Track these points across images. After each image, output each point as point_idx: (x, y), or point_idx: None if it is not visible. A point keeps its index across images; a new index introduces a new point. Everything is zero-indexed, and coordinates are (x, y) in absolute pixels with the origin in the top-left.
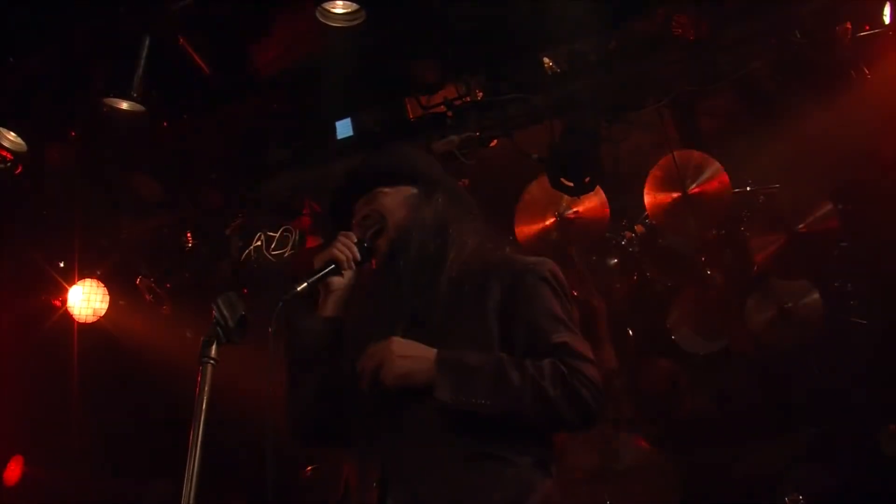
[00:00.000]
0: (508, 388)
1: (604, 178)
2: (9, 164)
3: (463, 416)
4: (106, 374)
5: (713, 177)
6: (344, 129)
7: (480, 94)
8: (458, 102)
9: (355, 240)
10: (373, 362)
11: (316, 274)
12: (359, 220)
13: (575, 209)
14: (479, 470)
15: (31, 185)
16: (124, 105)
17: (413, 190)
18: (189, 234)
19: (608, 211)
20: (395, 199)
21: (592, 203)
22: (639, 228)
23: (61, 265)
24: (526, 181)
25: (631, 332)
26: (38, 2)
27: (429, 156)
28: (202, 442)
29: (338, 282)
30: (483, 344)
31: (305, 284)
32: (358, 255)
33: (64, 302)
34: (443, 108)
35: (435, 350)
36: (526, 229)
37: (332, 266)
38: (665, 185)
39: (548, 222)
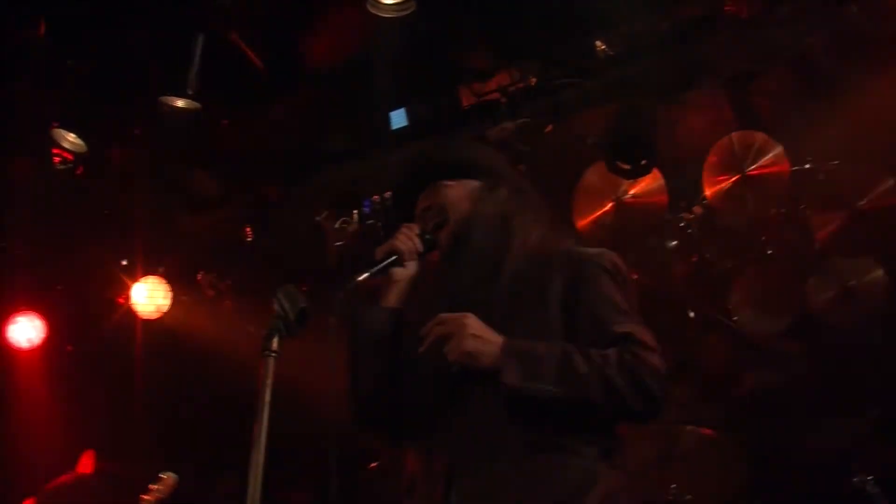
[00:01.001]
0: (575, 375)
1: (660, 160)
2: (70, 164)
3: (528, 406)
4: (170, 370)
5: (772, 155)
6: (398, 119)
7: (534, 80)
8: (511, 89)
9: (417, 231)
10: (443, 330)
11: (377, 264)
12: (420, 212)
13: (633, 192)
14: (544, 460)
15: (94, 184)
16: (180, 103)
17: (476, 183)
18: (248, 229)
19: (666, 193)
20: (458, 192)
21: (650, 186)
22: (697, 209)
23: (124, 263)
24: (582, 166)
25: (692, 314)
26: (93, 3)
27: (493, 150)
28: (266, 435)
29: (399, 273)
30: (546, 335)
31: (367, 274)
32: (420, 247)
33: (127, 299)
34: (497, 95)
35: (503, 337)
36: (584, 214)
37: (394, 257)
38: (723, 165)
39: (606, 206)
